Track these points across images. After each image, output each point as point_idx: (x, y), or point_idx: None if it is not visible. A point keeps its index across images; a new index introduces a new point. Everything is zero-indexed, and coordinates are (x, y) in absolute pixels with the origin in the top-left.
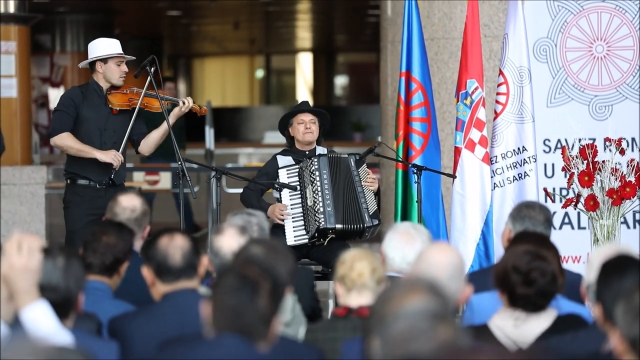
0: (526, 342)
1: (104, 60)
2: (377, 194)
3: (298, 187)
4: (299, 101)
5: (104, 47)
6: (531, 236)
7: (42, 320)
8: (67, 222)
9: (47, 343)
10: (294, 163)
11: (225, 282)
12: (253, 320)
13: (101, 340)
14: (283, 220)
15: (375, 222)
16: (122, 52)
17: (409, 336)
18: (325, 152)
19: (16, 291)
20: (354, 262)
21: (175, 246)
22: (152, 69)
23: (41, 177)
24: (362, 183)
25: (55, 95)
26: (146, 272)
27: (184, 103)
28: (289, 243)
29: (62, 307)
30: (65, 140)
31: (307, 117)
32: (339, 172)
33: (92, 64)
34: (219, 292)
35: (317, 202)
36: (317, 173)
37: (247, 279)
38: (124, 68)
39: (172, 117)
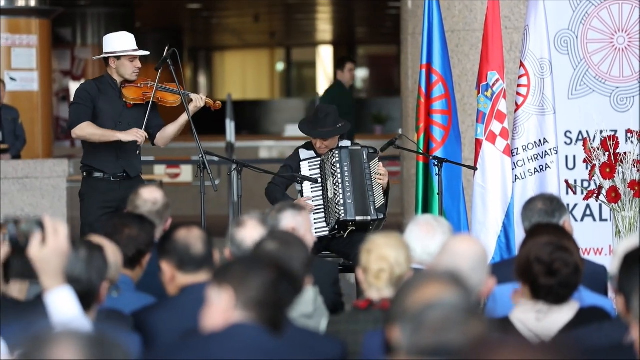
0: (549, 335)
1: (117, 56)
2: (387, 189)
3: (319, 180)
4: (320, 94)
5: (117, 42)
6: (549, 227)
7: (65, 306)
8: (82, 215)
9: (87, 332)
10: (315, 156)
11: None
12: (262, 307)
13: (124, 333)
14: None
15: (380, 216)
16: (136, 48)
17: (442, 326)
18: (349, 144)
19: (45, 273)
20: (379, 255)
21: (195, 236)
22: (172, 62)
23: (62, 170)
24: (373, 176)
25: (76, 89)
26: (165, 267)
27: (201, 98)
28: None
29: (85, 298)
30: (87, 129)
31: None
32: (357, 164)
33: (106, 58)
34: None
35: (338, 194)
36: (337, 165)
37: (253, 265)
38: (137, 64)
39: (186, 113)
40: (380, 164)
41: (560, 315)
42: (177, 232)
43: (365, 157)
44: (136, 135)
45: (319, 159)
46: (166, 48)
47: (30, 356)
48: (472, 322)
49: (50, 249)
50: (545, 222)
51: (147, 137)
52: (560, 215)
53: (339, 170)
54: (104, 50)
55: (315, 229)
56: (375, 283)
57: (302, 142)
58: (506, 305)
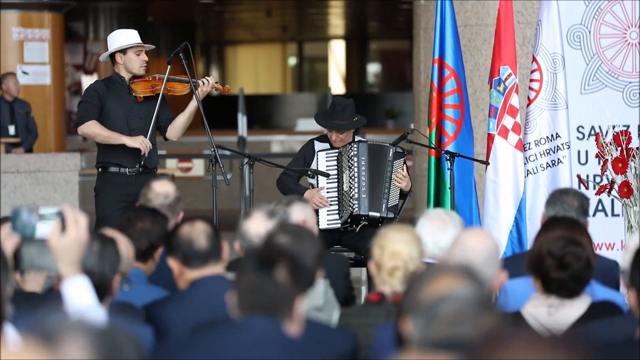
0: (560, 329)
1: (123, 51)
2: (406, 193)
3: (331, 174)
4: (332, 89)
5: (122, 38)
6: (562, 221)
7: (82, 295)
8: (97, 209)
9: (97, 325)
10: (329, 148)
11: (245, 263)
12: (273, 297)
13: (136, 326)
14: (320, 206)
15: (390, 215)
16: (140, 41)
17: (454, 319)
18: (364, 140)
19: (64, 261)
20: (392, 252)
21: (198, 231)
22: (185, 56)
23: (75, 164)
24: (393, 176)
25: (88, 83)
26: (172, 263)
27: (203, 83)
28: (321, 226)
29: (97, 291)
30: (92, 128)
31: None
32: (376, 159)
33: (112, 56)
34: (239, 274)
35: (353, 187)
36: (355, 159)
37: (264, 256)
38: (144, 57)
39: (195, 99)
40: (405, 167)
41: (572, 310)
42: (180, 227)
43: (391, 154)
44: (141, 144)
45: (337, 150)
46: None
47: (40, 347)
48: (485, 315)
49: (71, 237)
50: (561, 216)
51: (158, 132)
52: (587, 215)
53: (356, 164)
54: (109, 49)
55: (327, 221)
56: (389, 280)
57: (314, 137)
58: (518, 299)
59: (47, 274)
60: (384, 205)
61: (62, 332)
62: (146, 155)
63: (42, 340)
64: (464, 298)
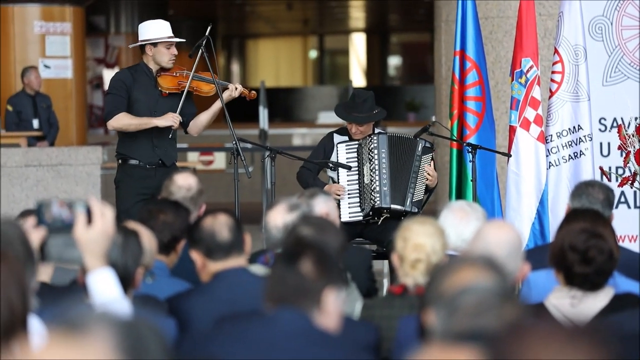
0: (584, 320)
1: (154, 43)
2: (432, 189)
3: (352, 167)
4: (353, 82)
5: (153, 30)
6: (585, 213)
7: (107, 286)
8: (117, 202)
9: (122, 317)
10: (348, 140)
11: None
12: (297, 288)
13: (159, 318)
14: (339, 198)
15: (415, 210)
16: (172, 35)
17: (477, 311)
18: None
19: (90, 253)
20: (415, 244)
21: (221, 223)
22: (206, 49)
23: (97, 157)
24: (420, 171)
25: (109, 77)
26: (195, 256)
27: (235, 88)
28: (343, 219)
29: (120, 284)
30: (123, 120)
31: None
32: (399, 151)
33: (142, 46)
34: (271, 269)
35: (374, 180)
36: (375, 151)
37: (289, 248)
38: (174, 51)
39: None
40: (432, 163)
41: (595, 301)
42: (203, 220)
43: (420, 149)
44: (172, 119)
45: (356, 143)
46: (209, 28)
47: (65, 340)
48: (507, 306)
49: (97, 230)
50: (585, 208)
51: (180, 127)
52: (612, 208)
53: (376, 156)
54: (140, 38)
55: (349, 213)
56: (412, 273)
57: (333, 129)
58: (540, 291)
59: (56, 265)
60: (408, 200)
61: (87, 324)
62: (175, 128)
63: (67, 333)
64: (486, 290)
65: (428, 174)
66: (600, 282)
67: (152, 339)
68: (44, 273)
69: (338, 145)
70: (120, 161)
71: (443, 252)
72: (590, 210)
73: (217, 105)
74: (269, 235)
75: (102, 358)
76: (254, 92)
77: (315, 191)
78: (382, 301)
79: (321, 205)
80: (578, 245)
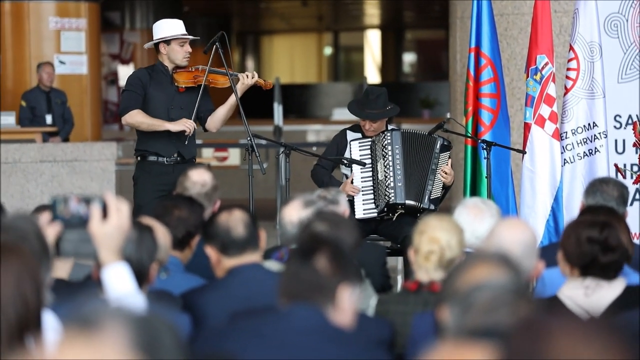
0: (598, 310)
1: (167, 41)
2: (447, 188)
3: (367, 163)
4: (368, 79)
5: (166, 28)
6: (599, 210)
7: (122, 281)
8: (135, 197)
9: (136, 312)
10: (361, 137)
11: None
12: (311, 284)
13: (173, 313)
14: (353, 195)
15: (432, 207)
16: (185, 32)
17: (490, 307)
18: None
19: (105, 248)
20: (430, 237)
21: (236, 219)
22: (221, 45)
23: (111, 153)
24: (438, 169)
25: (124, 73)
26: (210, 251)
27: (247, 76)
28: (357, 216)
29: (135, 279)
30: (136, 117)
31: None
32: (413, 148)
33: (157, 45)
34: (285, 265)
35: (388, 176)
36: (389, 147)
37: (304, 244)
38: (188, 48)
39: (238, 92)
40: (450, 162)
41: (609, 291)
42: (218, 216)
43: (438, 146)
44: (185, 125)
45: (370, 139)
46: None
47: (77, 330)
48: (521, 303)
49: (112, 225)
50: (599, 205)
51: (198, 123)
52: (626, 205)
53: (390, 153)
54: (154, 37)
55: (363, 210)
56: (424, 264)
57: (346, 126)
58: (555, 287)
59: (77, 261)
60: (426, 197)
61: (102, 320)
62: (190, 134)
63: (82, 330)
64: (500, 286)
65: (445, 172)
66: (618, 269)
67: (167, 335)
68: (62, 269)
69: (351, 142)
70: (139, 158)
71: (459, 249)
72: (604, 208)
73: (233, 97)
74: (284, 231)
75: (117, 355)
76: (270, 81)
77: (336, 197)
78: (397, 297)
79: (344, 206)
80: (595, 237)
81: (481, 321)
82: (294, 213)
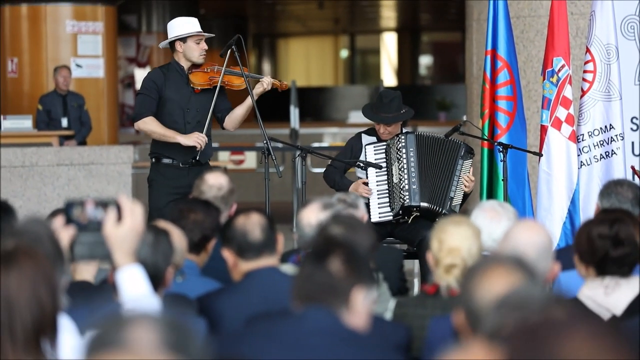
0: (619, 308)
1: (183, 39)
2: (467, 195)
3: (382, 166)
4: (384, 81)
5: (181, 26)
6: (614, 213)
7: (136, 283)
8: (150, 200)
9: (164, 315)
10: (376, 141)
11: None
12: (325, 287)
13: (190, 317)
14: (367, 197)
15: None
16: (200, 30)
17: (507, 309)
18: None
19: (119, 250)
20: (450, 248)
21: (253, 223)
22: (237, 48)
23: (128, 156)
24: (461, 176)
25: (141, 76)
26: (227, 254)
27: (264, 83)
28: (372, 219)
29: (151, 283)
30: (149, 125)
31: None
32: (429, 151)
33: (172, 44)
34: (299, 267)
35: (403, 179)
36: (403, 150)
37: (318, 246)
38: (204, 46)
39: (254, 95)
40: (472, 170)
41: (629, 289)
42: (235, 219)
43: (462, 152)
44: (196, 140)
45: (385, 143)
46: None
47: (107, 337)
48: (539, 305)
49: (127, 227)
50: (614, 207)
51: (217, 117)
52: None
53: (404, 156)
54: (169, 36)
55: (379, 213)
56: (445, 277)
57: (361, 130)
58: (571, 290)
59: (99, 264)
60: (449, 203)
61: (131, 320)
62: (202, 149)
63: (109, 329)
64: (517, 291)
65: (470, 179)
66: (633, 264)
67: (191, 338)
68: (87, 272)
69: (366, 146)
70: (153, 160)
71: (479, 254)
72: (619, 210)
73: (249, 99)
74: (302, 233)
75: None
76: (285, 82)
77: (355, 201)
78: (415, 300)
79: (362, 211)
80: (605, 232)
81: (499, 323)
82: (312, 215)
